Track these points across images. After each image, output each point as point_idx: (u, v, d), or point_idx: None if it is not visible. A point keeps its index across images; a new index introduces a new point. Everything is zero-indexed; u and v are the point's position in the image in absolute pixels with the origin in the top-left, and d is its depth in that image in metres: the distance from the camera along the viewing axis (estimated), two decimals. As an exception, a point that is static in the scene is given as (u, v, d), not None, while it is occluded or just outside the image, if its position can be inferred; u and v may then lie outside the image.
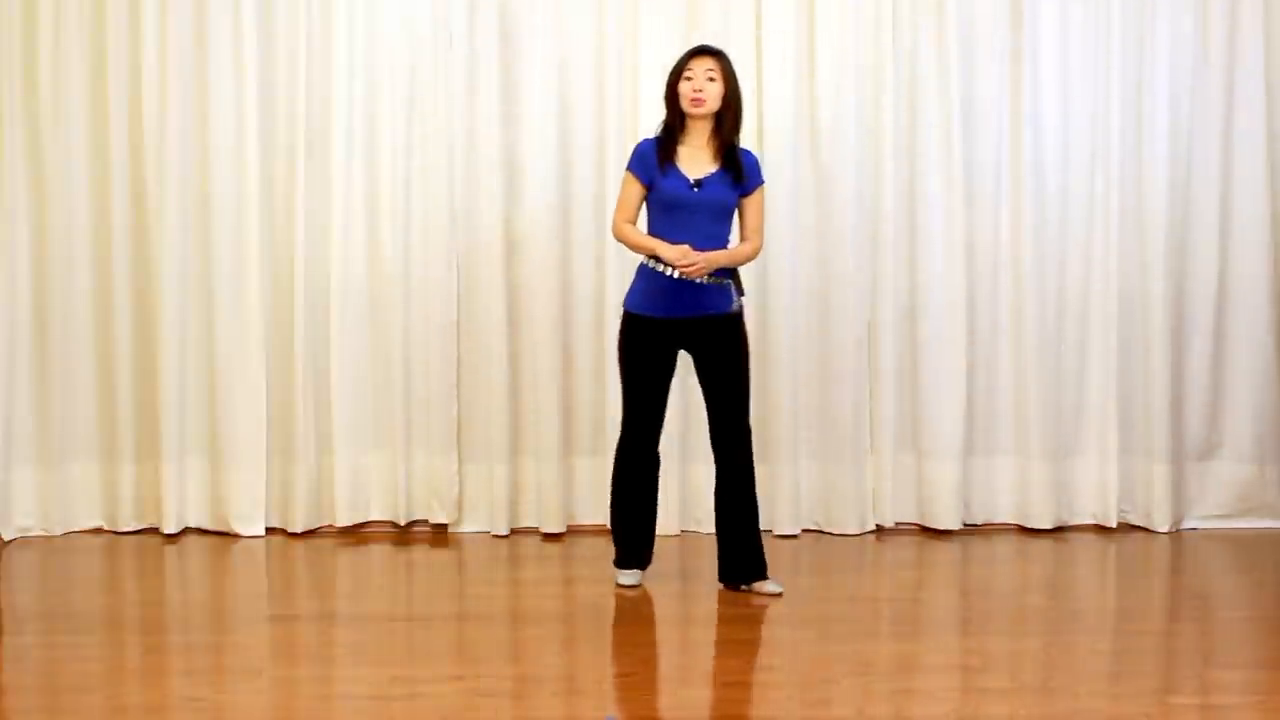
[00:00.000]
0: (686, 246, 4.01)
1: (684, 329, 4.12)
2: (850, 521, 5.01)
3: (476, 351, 4.99)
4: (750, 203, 4.18)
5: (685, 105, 4.08)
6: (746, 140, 4.90)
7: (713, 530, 4.98)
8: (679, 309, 4.09)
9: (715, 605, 4.14)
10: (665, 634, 3.93)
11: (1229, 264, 5.08)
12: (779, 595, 4.18)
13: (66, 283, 4.93)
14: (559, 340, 4.88)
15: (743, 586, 4.23)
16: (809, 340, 4.99)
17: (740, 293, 4.18)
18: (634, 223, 4.16)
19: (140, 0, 4.87)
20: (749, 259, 4.22)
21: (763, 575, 4.22)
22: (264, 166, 4.94)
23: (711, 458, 4.37)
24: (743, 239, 4.21)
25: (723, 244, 4.13)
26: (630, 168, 4.14)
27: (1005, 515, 5.10)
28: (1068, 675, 3.43)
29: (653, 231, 4.13)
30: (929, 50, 4.96)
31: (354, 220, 4.97)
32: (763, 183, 4.22)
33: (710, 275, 4.06)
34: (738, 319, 4.17)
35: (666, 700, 3.32)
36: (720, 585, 4.26)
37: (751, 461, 4.21)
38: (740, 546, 4.22)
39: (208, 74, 4.91)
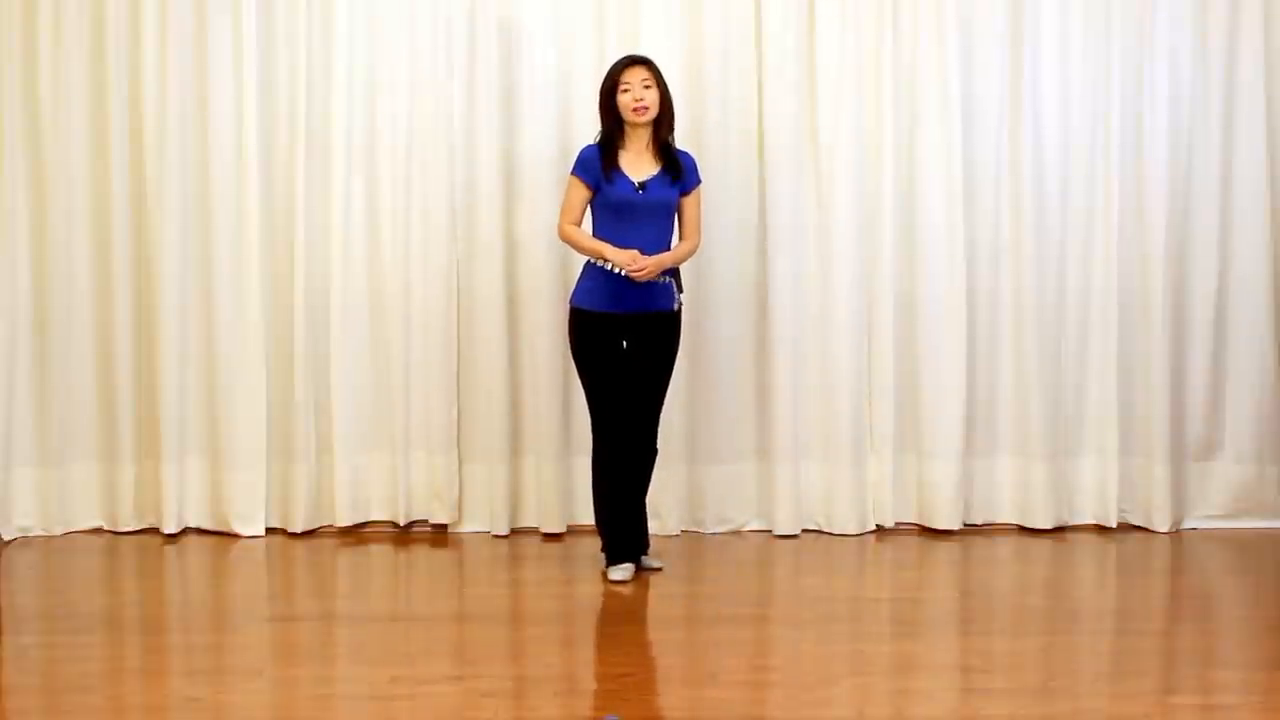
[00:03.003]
0: (635, 251, 4.21)
1: (628, 323, 4.30)
2: (850, 521, 5.01)
3: (476, 352, 4.98)
4: (689, 202, 4.41)
5: (628, 115, 4.29)
6: (746, 135, 4.95)
7: (715, 530, 5.03)
8: (625, 304, 4.28)
9: (715, 605, 4.15)
10: (665, 634, 3.93)
11: (1229, 264, 5.07)
12: (659, 570, 4.45)
13: (66, 283, 4.93)
14: (559, 340, 4.86)
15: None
16: (809, 340, 4.99)
17: (680, 290, 4.39)
18: (578, 225, 4.35)
19: (140, 0, 4.88)
20: (689, 256, 4.46)
21: (646, 550, 4.49)
22: (264, 167, 4.94)
23: (715, 458, 4.94)
24: (682, 237, 4.44)
25: (667, 242, 4.35)
26: (576, 173, 4.33)
27: (1005, 515, 5.10)
28: (1068, 675, 3.43)
29: (599, 233, 4.33)
30: (929, 50, 4.96)
31: (354, 220, 4.97)
32: (700, 182, 4.46)
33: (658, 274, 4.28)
34: (677, 317, 4.41)
35: (666, 700, 3.32)
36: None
37: (657, 446, 4.45)
38: (636, 523, 4.43)
39: (208, 75, 4.91)
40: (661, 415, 4.47)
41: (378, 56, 4.95)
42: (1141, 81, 5.00)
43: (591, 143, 4.37)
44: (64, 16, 4.88)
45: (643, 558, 4.47)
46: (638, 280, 4.21)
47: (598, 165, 4.28)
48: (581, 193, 4.31)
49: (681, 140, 4.53)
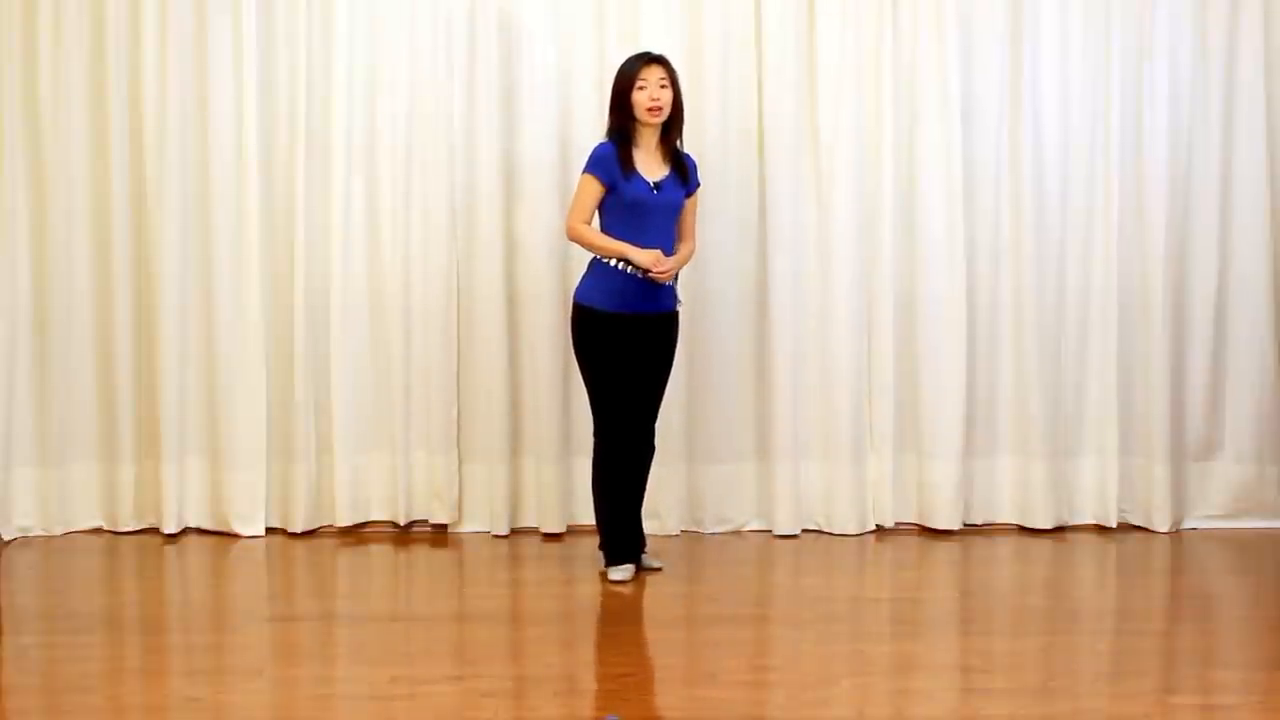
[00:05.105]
0: (659, 252, 4.22)
1: (635, 323, 4.29)
2: (850, 521, 5.01)
3: (476, 352, 4.98)
4: (691, 203, 4.44)
5: (641, 115, 4.27)
6: (746, 134, 4.96)
7: (714, 530, 5.03)
8: (635, 305, 4.27)
9: (715, 605, 4.15)
10: (665, 634, 3.93)
11: (1229, 264, 5.07)
12: (659, 570, 4.46)
13: (66, 283, 4.93)
14: (559, 341, 4.86)
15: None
16: (809, 340, 4.99)
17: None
18: (589, 224, 4.31)
19: (140, 0, 4.88)
20: (690, 259, 4.50)
21: (644, 550, 4.49)
22: (264, 167, 4.94)
23: (715, 458, 5.00)
24: (681, 239, 4.43)
25: (672, 242, 4.33)
26: (591, 170, 4.28)
27: (1005, 515, 5.10)
28: (1068, 675, 3.43)
29: (607, 232, 4.30)
30: (929, 50, 4.96)
31: (354, 220, 4.97)
32: (700, 185, 4.48)
33: None
34: (678, 317, 4.45)
35: (666, 700, 3.32)
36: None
37: (654, 444, 4.49)
38: (636, 522, 4.45)
39: (208, 75, 4.91)
40: (660, 414, 4.48)
41: (378, 56, 4.95)
42: (1141, 80, 5.00)
43: (604, 140, 4.33)
44: (64, 16, 4.88)
45: (642, 556, 4.47)
46: (659, 282, 4.23)
47: (614, 163, 4.24)
48: (596, 191, 4.26)
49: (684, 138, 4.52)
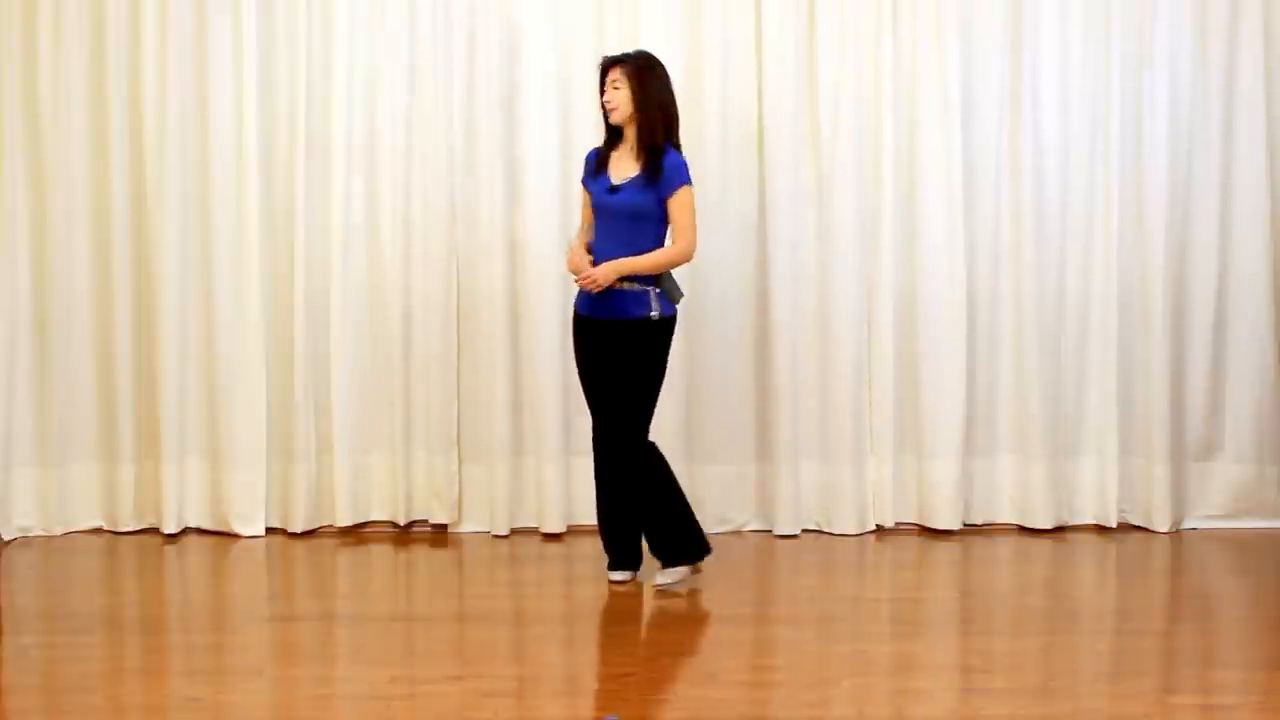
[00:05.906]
0: (575, 256, 4.15)
1: (603, 328, 4.24)
2: (850, 521, 5.01)
3: (476, 352, 4.99)
4: (673, 204, 4.16)
5: (606, 114, 4.27)
6: (746, 139, 4.95)
7: (714, 530, 5.02)
8: (597, 309, 4.23)
9: (715, 605, 4.15)
10: (665, 634, 3.93)
11: (1229, 264, 5.07)
12: (671, 586, 4.30)
13: (66, 283, 4.93)
14: (559, 340, 4.86)
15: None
16: (809, 340, 4.99)
17: (673, 299, 4.23)
18: (585, 225, 4.36)
19: (140, 0, 4.88)
20: (676, 261, 4.20)
21: (663, 564, 4.31)
22: (264, 167, 4.94)
23: (714, 459, 5.03)
24: (673, 241, 4.28)
25: (641, 248, 4.15)
26: (582, 176, 4.34)
27: (1005, 515, 5.10)
28: (1068, 675, 3.43)
29: (594, 235, 4.30)
30: (929, 51, 4.95)
31: (354, 220, 4.97)
32: (685, 183, 4.17)
33: (626, 281, 4.13)
34: (651, 326, 4.17)
35: (666, 700, 3.32)
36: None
37: (630, 459, 4.22)
38: (631, 530, 4.34)
39: (208, 75, 4.91)
40: (657, 417, 4.29)
41: (378, 56, 4.95)
42: (1141, 88, 4.99)
43: (597, 146, 4.36)
44: (64, 16, 4.88)
45: (657, 574, 4.30)
46: (584, 288, 4.15)
47: (591, 165, 4.30)
48: (582, 194, 4.33)
49: (683, 142, 4.50)
